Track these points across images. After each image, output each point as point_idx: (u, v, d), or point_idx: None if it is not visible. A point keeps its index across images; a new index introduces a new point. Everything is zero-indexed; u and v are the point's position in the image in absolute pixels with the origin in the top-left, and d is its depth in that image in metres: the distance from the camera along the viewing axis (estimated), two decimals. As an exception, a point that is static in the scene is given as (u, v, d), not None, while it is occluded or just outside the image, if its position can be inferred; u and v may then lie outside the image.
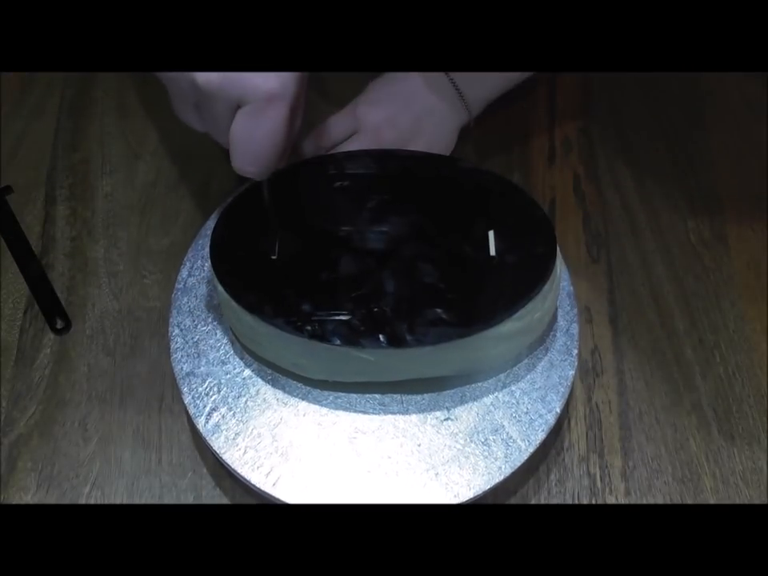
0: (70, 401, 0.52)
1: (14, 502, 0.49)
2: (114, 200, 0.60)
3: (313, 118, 0.61)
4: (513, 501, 0.49)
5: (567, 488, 0.50)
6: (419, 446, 0.46)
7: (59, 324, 0.55)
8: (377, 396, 0.48)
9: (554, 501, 0.49)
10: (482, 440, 0.46)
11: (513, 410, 0.47)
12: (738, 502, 0.49)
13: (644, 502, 0.49)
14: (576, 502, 0.49)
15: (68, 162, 0.62)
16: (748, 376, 0.53)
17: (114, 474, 0.50)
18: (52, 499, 0.49)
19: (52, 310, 0.55)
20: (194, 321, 0.50)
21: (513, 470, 0.46)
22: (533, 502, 0.49)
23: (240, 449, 0.46)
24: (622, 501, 0.49)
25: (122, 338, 0.55)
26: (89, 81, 0.66)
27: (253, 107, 0.38)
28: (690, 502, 0.49)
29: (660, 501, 0.49)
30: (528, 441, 0.46)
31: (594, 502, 0.49)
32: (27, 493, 0.49)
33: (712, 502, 0.49)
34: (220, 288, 0.46)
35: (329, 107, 0.59)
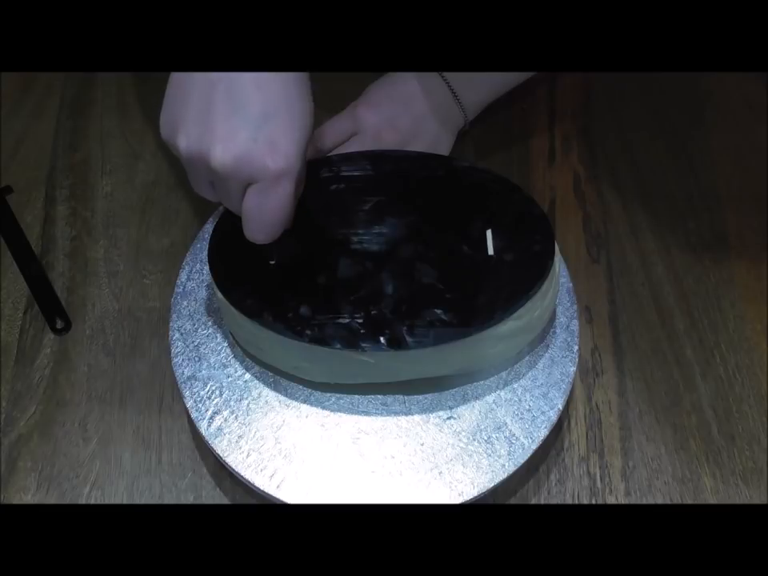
0: (69, 401, 0.52)
1: (14, 502, 0.49)
2: (113, 200, 0.60)
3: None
4: (513, 501, 0.49)
5: (567, 488, 0.50)
6: (422, 445, 0.46)
7: (59, 324, 0.55)
8: (379, 397, 0.48)
9: (554, 501, 0.49)
10: (485, 438, 0.46)
11: (515, 407, 0.47)
12: (738, 502, 0.49)
13: (644, 502, 0.49)
14: (576, 502, 0.49)
15: (68, 162, 0.62)
16: (748, 376, 0.53)
17: (114, 473, 0.50)
18: (52, 499, 0.49)
19: (52, 310, 0.55)
20: (194, 324, 0.50)
21: (516, 468, 0.46)
22: (533, 501, 0.49)
23: (243, 452, 0.46)
24: (622, 501, 0.49)
25: (121, 338, 0.55)
26: (89, 81, 0.66)
27: (262, 185, 0.41)
28: (690, 502, 0.49)
29: (660, 501, 0.49)
30: (531, 438, 0.46)
31: (594, 502, 0.49)
32: (27, 493, 0.49)
33: (712, 502, 0.49)
34: (219, 294, 0.46)
35: (328, 109, 0.59)
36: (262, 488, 0.45)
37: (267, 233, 0.42)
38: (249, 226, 0.42)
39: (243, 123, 0.40)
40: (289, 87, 0.41)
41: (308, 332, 0.44)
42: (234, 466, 0.46)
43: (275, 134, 0.40)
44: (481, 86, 0.59)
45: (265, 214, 0.42)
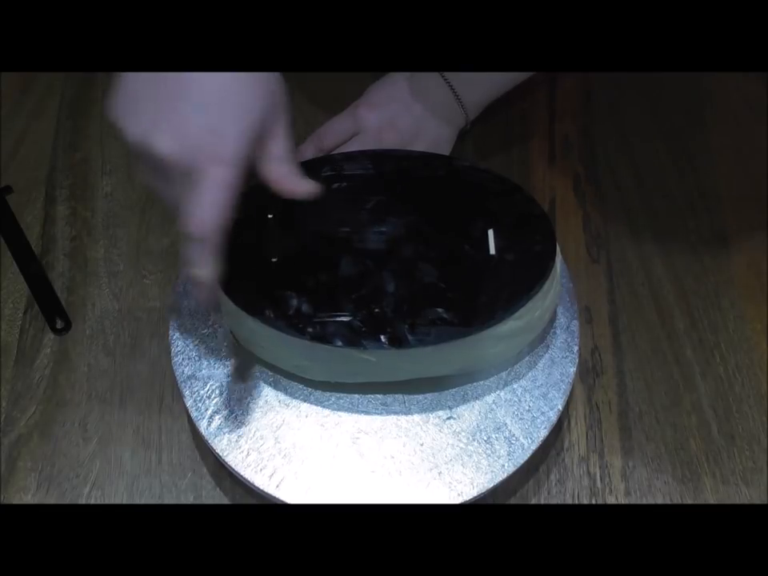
0: (69, 401, 0.52)
1: (14, 502, 0.49)
2: (113, 200, 0.60)
3: (312, 120, 0.61)
4: (513, 501, 0.49)
5: (567, 488, 0.50)
6: (422, 445, 0.46)
7: (59, 324, 0.55)
8: (379, 396, 0.48)
9: (554, 501, 0.49)
10: (485, 438, 0.46)
11: (515, 407, 0.47)
12: (737, 502, 0.49)
13: (644, 502, 0.49)
14: (576, 502, 0.49)
15: (68, 162, 0.62)
16: (748, 376, 0.53)
17: (114, 474, 0.50)
18: (52, 499, 0.49)
19: (52, 310, 0.55)
20: (194, 324, 0.50)
21: (516, 468, 0.46)
22: (533, 501, 0.49)
23: (243, 451, 0.46)
24: (622, 501, 0.49)
25: (121, 337, 0.55)
26: (89, 81, 0.66)
27: (203, 173, 0.40)
28: (690, 501, 0.49)
29: (660, 501, 0.49)
30: (531, 438, 0.46)
31: (594, 501, 0.49)
32: (27, 493, 0.49)
33: (712, 502, 0.49)
34: (220, 291, 0.46)
35: (328, 109, 0.59)
36: (261, 487, 0.45)
37: (204, 222, 0.41)
38: (187, 214, 0.41)
39: (189, 111, 0.40)
40: (239, 80, 0.41)
41: (309, 330, 0.44)
42: (233, 466, 0.46)
43: (220, 123, 0.40)
44: (482, 86, 0.59)
45: (203, 202, 0.40)
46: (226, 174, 0.40)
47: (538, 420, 0.47)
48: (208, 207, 0.40)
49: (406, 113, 0.57)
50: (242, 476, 0.46)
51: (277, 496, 0.45)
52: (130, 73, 0.42)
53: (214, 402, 0.47)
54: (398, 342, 0.43)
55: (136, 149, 0.41)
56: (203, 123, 0.40)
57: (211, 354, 0.49)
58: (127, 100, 0.41)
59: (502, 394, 0.48)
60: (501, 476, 0.45)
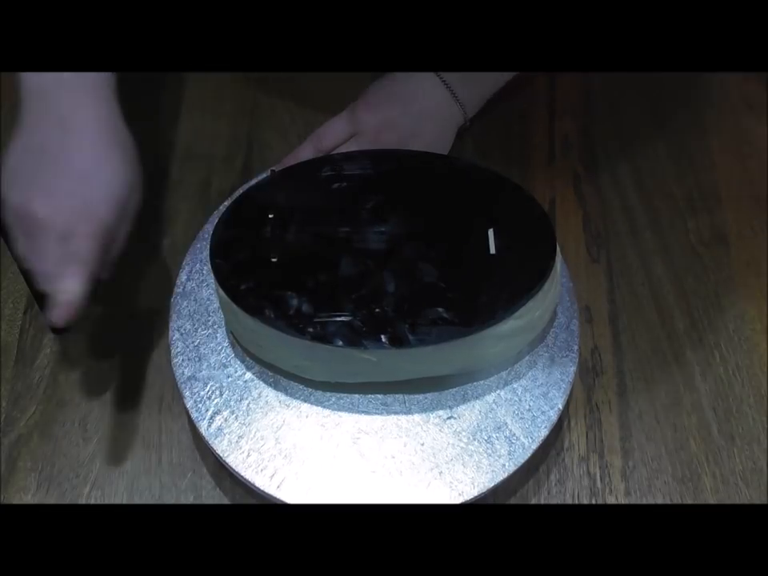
0: (70, 401, 0.52)
1: (14, 502, 0.49)
2: (113, 200, 0.60)
3: (312, 120, 0.61)
4: (513, 501, 0.49)
5: (567, 488, 0.50)
6: (422, 445, 0.46)
7: (59, 324, 0.55)
8: (379, 396, 0.48)
9: (554, 501, 0.49)
10: (485, 438, 0.46)
11: (515, 407, 0.47)
12: (738, 502, 0.49)
13: (644, 502, 0.49)
14: (576, 502, 0.49)
15: (67, 162, 0.62)
16: (748, 376, 0.53)
17: (114, 474, 0.50)
18: (52, 499, 0.49)
19: (52, 310, 0.55)
20: (193, 325, 0.50)
21: (516, 468, 0.46)
22: (533, 501, 0.49)
23: (243, 452, 0.46)
24: (622, 501, 0.49)
25: (122, 337, 0.55)
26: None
27: (70, 237, 0.45)
28: (690, 501, 0.49)
29: (660, 501, 0.49)
30: (531, 438, 0.46)
31: (593, 501, 0.49)
32: (27, 493, 0.49)
33: (712, 502, 0.49)
34: (220, 291, 0.46)
35: (328, 109, 0.59)
36: (262, 488, 0.45)
37: (67, 290, 0.45)
38: (51, 281, 0.45)
39: (64, 180, 0.45)
40: (106, 159, 0.46)
41: (310, 330, 0.44)
42: (234, 466, 0.46)
43: (91, 194, 0.45)
44: (479, 83, 0.59)
45: (69, 266, 0.45)
46: (93, 243, 0.45)
47: (539, 419, 0.47)
48: (72, 273, 0.45)
49: (404, 113, 0.57)
50: (242, 477, 0.46)
51: (277, 496, 0.45)
52: (11, 147, 0.47)
53: (214, 402, 0.47)
54: (398, 341, 0.43)
55: (15, 214, 0.46)
56: (77, 191, 0.45)
57: (211, 354, 0.49)
58: (8, 172, 0.46)
59: (503, 393, 0.48)
60: (501, 475, 0.45)
